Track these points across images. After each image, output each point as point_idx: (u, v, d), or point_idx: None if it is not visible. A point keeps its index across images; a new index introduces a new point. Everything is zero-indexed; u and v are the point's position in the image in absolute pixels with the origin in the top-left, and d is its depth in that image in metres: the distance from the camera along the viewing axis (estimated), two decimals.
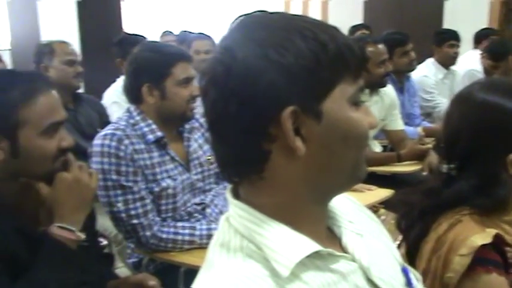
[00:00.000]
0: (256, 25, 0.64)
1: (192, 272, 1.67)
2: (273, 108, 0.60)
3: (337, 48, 0.62)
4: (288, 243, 0.63)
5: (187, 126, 1.87)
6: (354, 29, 4.42)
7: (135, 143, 1.71)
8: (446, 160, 1.09)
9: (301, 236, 0.64)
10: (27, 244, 1.20)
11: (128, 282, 1.51)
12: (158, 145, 1.76)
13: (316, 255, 0.64)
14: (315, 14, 5.91)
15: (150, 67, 1.73)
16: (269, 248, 0.63)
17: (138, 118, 1.76)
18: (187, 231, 1.76)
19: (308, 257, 0.63)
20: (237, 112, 0.61)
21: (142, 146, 1.73)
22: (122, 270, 2.39)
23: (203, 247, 1.74)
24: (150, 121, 1.76)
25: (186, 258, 1.71)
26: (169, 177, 1.77)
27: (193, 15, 6.30)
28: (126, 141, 1.69)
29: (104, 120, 2.72)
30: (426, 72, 3.78)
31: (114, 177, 1.67)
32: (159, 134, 1.75)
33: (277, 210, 0.65)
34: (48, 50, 2.66)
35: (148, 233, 1.71)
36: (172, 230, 1.75)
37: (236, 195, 0.70)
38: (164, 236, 1.73)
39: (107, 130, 1.73)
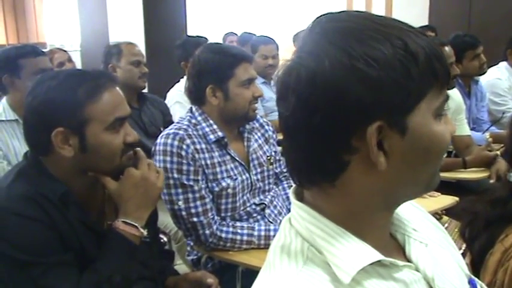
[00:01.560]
0: (342, 31, 0.61)
1: (249, 272, 1.69)
2: (359, 122, 0.58)
3: (427, 59, 0.59)
4: (351, 250, 0.62)
5: (247, 126, 1.89)
6: None
7: (197, 142, 1.75)
8: None
9: (365, 244, 0.63)
10: (93, 237, 1.26)
11: (187, 279, 1.54)
12: (219, 145, 1.79)
13: (378, 263, 0.63)
14: (379, 13, 5.76)
15: (214, 69, 1.75)
16: (331, 253, 0.62)
17: (200, 118, 1.80)
18: (245, 231, 1.77)
19: (371, 264, 0.62)
20: (320, 124, 0.59)
21: (204, 146, 1.76)
22: (181, 267, 2.45)
23: (261, 248, 1.76)
24: (211, 121, 1.79)
25: (244, 258, 1.72)
26: (229, 177, 1.79)
27: (254, 16, 6.33)
28: (188, 141, 1.73)
29: (167, 120, 2.80)
30: (499, 75, 3.62)
31: (175, 175, 1.71)
32: (220, 134, 1.78)
33: (342, 217, 0.64)
34: (116, 51, 2.76)
35: (207, 232, 1.74)
36: (231, 229, 1.77)
37: (300, 197, 0.69)
38: (223, 235, 1.75)
39: (170, 130, 1.77)
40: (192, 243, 1.89)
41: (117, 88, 1.28)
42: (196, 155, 1.73)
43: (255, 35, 4.39)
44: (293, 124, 0.62)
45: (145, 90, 2.90)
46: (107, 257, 1.24)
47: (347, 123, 0.58)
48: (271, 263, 0.66)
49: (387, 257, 0.63)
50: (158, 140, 1.76)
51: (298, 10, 6.03)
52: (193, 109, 1.83)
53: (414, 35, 0.60)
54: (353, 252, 0.62)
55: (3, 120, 2.18)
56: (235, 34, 5.06)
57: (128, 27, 4.77)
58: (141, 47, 4.42)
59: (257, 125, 1.96)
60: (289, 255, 0.64)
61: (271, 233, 1.77)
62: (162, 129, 2.80)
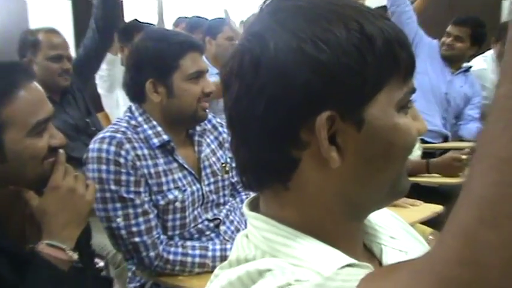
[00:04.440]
0: (292, 10, 0.62)
1: None
2: (307, 112, 0.60)
3: (386, 44, 0.61)
4: (320, 256, 0.63)
5: (198, 128, 1.88)
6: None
7: (138, 147, 1.73)
8: None
9: (334, 249, 0.64)
10: (12, 264, 1.22)
11: None
12: (164, 150, 1.78)
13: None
14: None
15: (155, 59, 1.74)
16: (296, 258, 0.62)
17: (140, 119, 1.78)
18: (197, 252, 1.77)
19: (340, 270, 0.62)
20: (264, 113, 0.61)
21: (146, 152, 1.74)
22: None
23: None
24: (154, 122, 1.77)
25: (196, 284, 1.71)
26: (176, 188, 1.78)
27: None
28: (127, 146, 1.71)
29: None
30: (485, 66, 3.82)
31: (113, 187, 1.69)
32: (165, 137, 1.77)
33: (304, 224, 0.65)
34: (32, 42, 2.67)
35: (152, 253, 1.72)
36: (180, 250, 1.76)
37: (255, 209, 0.70)
38: (171, 257, 1.74)
39: (105, 133, 1.74)
40: (134, 268, 1.87)
41: (35, 84, 1.26)
42: (138, 163, 1.71)
43: (206, 19, 4.35)
44: (236, 115, 0.64)
45: None
46: (29, 287, 1.21)
47: (294, 113, 0.60)
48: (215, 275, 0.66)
49: None
50: (91, 146, 1.73)
51: None
52: (133, 108, 1.81)
53: (373, 16, 0.62)
54: (321, 257, 0.63)
55: None
56: (186, 18, 4.99)
57: (52, 9, 4.67)
58: (69, 33, 4.35)
59: (209, 126, 1.96)
60: (245, 263, 0.64)
61: (228, 253, 1.76)
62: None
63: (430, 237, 2.25)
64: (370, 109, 0.61)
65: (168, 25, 5.02)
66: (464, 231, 0.34)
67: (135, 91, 1.80)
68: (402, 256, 0.73)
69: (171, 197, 1.76)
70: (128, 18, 4.60)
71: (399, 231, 0.79)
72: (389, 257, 0.72)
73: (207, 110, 1.83)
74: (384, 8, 4.57)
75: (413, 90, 0.65)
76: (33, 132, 1.22)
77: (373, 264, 0.70)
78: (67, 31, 2.97)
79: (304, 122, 0.60)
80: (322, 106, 0.59)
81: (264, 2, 0.66)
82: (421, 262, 0.39)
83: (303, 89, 0.59)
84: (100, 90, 3.32)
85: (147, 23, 3.56)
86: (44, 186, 1.29)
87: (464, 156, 2.60)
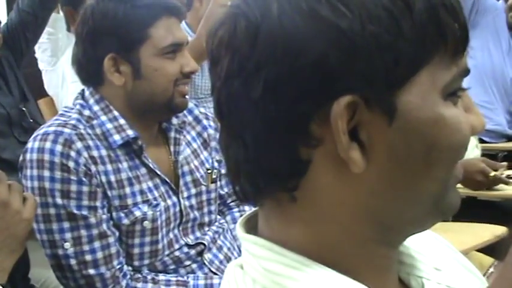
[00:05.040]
0: None
1: None
2: (321, 96, 0.59)
3: (429, 8, 0.61)
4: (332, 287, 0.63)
5: (175, 121, 1.89)
6: None
7: (93, 147, 1.73)
8: None
9: (357, 284, 0.64)
10: None
11: None
12: (129, 151, 1.79)
13: None
14: None
15: (116, 28, 1.74)
16: None
17: (96, 108, 1.78)
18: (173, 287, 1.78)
19: None
20: (262, 96, 0.61)
21: (104, 153, 1.75)
22: None
23: None
24: (116, 113, 1.78)
25: None
26: (146, 201, 1.78)
27: None
28: (79, 145, 1.71)
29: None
30: None
31: (59, 201, 1.69)
32: (130, 133, 1.77)
33: (317, 250, 0.65)
34: None
35: None
36: (150, 285, 1.77)
37: (252, 230, 0.71)
38: None
39: (49, 127, 1.74)
40: None
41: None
42: (93, 168, 1.72)
43: None
44: (227, 100, 0.64)
45: None
46: None
47: (303, 98, 0.60)
48: None
49: None
50: (30, 144, 1.73)
51: None
52: (87, 93, 1.82)
53: None
54: None
55: None
56: None
57: None
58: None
59: (190, 118, 1.96)
60: None
61: None
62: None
63: (491, 269, 2.26)
64: (405, 95, 0.61)
65: None
66: None
67: (89, 70, 1.80)
68: None
69: (138, 214, 1.77)
70: None
71: (447, 261, 0.80)
72: None
73: (187, 97, 1.83)
74: None
75: (465, 72, 0.65)
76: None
77: None
78: None
79: (317, 110, 0.60)
80: (341, 89, 0.59)
81: None
82: None
83: (315, 66, 0.59)
84: (41, 64, 3.32)
85: None
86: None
87: (493, 173, 2.63)
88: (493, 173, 2.58)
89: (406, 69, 0.61)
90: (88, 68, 1.80)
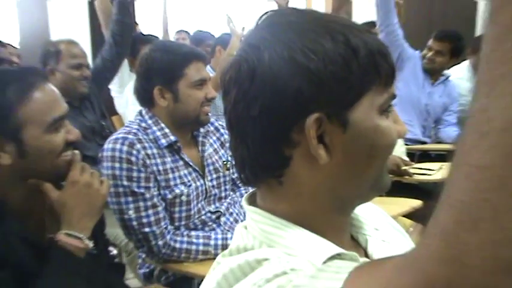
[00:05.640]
0: (284, 24, 0.63)
1: None
2: (298, 114, 0.60)
3: (369, 55, 0.61)
4: (311, 245, 0.63)
5: (202, 130, 1.88)
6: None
7: (148, 147, 1.72)
8: None
9: (323, 239, 0.64)
10: (33, 252, 1.21)
11: None
12: (171, 150, 1.78)
13: (338, 258, 0.63)
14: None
15: (162, 68, 1.73)
16: (290, 249, 0.63)
17: (150, 122, 1.77)
18: (201, 240, 1.76)
19: (330, 259, 0.62)
20: (259, 116, 0.61)
21: (155, 151, 1.74)
22: (131, 281, 2.41)
23: None
24: (162, 125, 1.77)
25: (200, 269, 1.70)
26: (182, 183, 1.78)
27: (206, 14, 6.31)
28: (138, 146, 1.70)
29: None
30: (461, 75, 3.83)
31: (125, 183, 1.68)
32: (172, 138, 1.76)
33: (296, 217, 0.66)
34: (54, 52, 2.66)
35: (160, 242, 1.72)
36: (185, 239, 1.75)
37: (253, 203, 0.71)
38: (177, 245, 1.74)
39: (118, 134, 1.74)
40: (143, 255, 1.87)
41: (50, 85, 1.25)
42: (148, 161, 1.71)
43: (209, 33, 4.34)
44: (235, 117, 0.65)
45: None
46: (49, 273, 1.20)
47: (286, 115, 0.61)
48: (223, 262, 0.65)
49: None
50: (105, 146, 1.72)
51: (249, 8, 6.12)
52: (143, 112, 1.81)
53: (357, 31, 0.63)
54: (313, 247, 0.63)
55: None
56: (187, 32, 5.00)
57: (71, 22, 4.66)
58: (87, 44, 4.34)
59: (212, 128, 1.96)
60: (245, 252, 0.65)
61: (229, 241, 1.76)
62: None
63: (411, 229, 2.25)
64: (354, 112, 0.61)
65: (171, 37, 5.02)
66: (446, 233, 0.34)
67: (144, 97, 1.79)
68: (386, 246, 0.73)
69: (177, 191, 1.76)
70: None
71: (382, 223, 0.79)
72: (374, 247, 0.72)
73: (209, 114, 1.83)
74: (372, 23, 4.60)
75: (393, 96, 0.65)
76: (51, 129, 1.21)
77: (359, 253, 0.71)
78: (85, 42, 2.95)
79: (295, 123, 0.61)
80: (311, 109, 0.60)
81: (260, 18, 0.67)
82: (405, 259, 0.39)
83: (294, 94, 0.59)
84: (112, 92, 3.32)
85: (152, 35, 3.56)
86: (60, 179, 1.28)
87: (404, 167, 2.66)
88: (403, 167, 2.63)
89: (354, 95, 0.61)
90: (144, 96, 1.79)
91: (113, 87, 3.25)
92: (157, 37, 3.61)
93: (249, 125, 0.63)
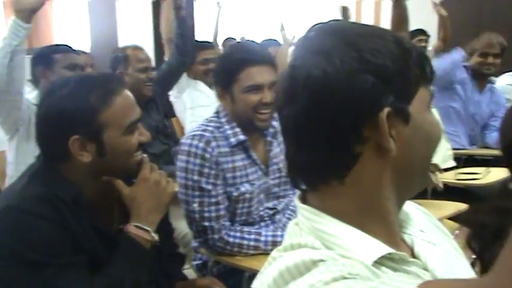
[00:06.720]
0: (343, 30, 0.66)
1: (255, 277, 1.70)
2: (372, 110, 0.61)
3: (418, 56, 0.65)
4: (362, 244, 0.63)
5: (271, 130, 1.85)
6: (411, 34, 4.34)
7: (221, 145, 1.76)
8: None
9: (374, 239, 0.64)
10: (102, 239, 1.27)
11: (195, 285, 1.56)
12: (241, 148, 1.80)
13: (388, 257, 0.63)
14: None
15: (219, 73, 1.79)
16: (342, 248, 0.63)
17: (223, 120, 1.80)
18: (252, 236, 1.78)
19: (380, 258, 0.62)
20: (333, 115, 0.61)
21: (227, 149, 1.77)
22: (186, 271, 2.45)
23: (268, 253, 1.76)
24: (234, 124, 1.79)
25: (251, 263, 1.73)
26: (248, 181, 1.80)
27: (255, 22, 6.32)
28: (213, 144, 1.74)
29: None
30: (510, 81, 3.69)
31: (195, 177, 1.72)
32: (242, 137, 1.78)
33: (351, 214, 0.65)
34: (122, 57, 2.79)
35: (216, 236, 1.75)
36: (238, 234, 1.78)
37: (304, 201, 0.70)
38: (231, 239, 1.77)
39: (196, 131, 1.78)
40: (197, 245, 1.90)
41: (127, 91, 1.30)
42: (220, 159, 1.74)
43: (276, 40, 4.26)
44: (306, 122, 0.64)
45: None
46: (118, 260, 1.26)
47: (360, 112, 0.61)
48: (273, 257, 0.66)
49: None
50: (184, 140, 1.78)
51: (291, 16, 6.11)
52: (220, 109, 1.83)
53: (403, 37, 0.67)
54: (363, 246, 0.63)
55: None
56: (234, 39, 5.02)
57: (137, 30, 4.80)
58: (150, 49, 4.46)
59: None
60: (300, 248, 0.65)
61: (278, 239, 1.78)
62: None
63: (456, 232, 2.20)
64: (412, 106, 0.64)
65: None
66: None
67: (220, 95, 1.81)
68: (431, 248, 0.72)
69: (242, 189, 1.79)
70: None
71: (428, 225, 0.78)
72: (420, 247, 0.71)
73: (268, 120, 1.77)
74: (421, 30, 4.48)
75: (433, 95, 0.69)
76: (127, 131, 1.26)
77: (407, 250, 0.70)
78: (148, 47, 3.05)
79: (369, 119, 0.61)
80: (383, 104, 0.61)
81: (311, 29, 0.68)
82: (474, 285, 0.44)
83: (369, 91, 0.61)
84: (171, 97, 3.41)
85: (207, 42, 3.63)
86: (130, 177, 1.33)
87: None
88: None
89: (413, 90, 0.64)
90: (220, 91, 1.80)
91: (172, 92, 3.34)
92: (211, 43, 3.68)
93: (322, 126, 0.62)
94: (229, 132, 1.78)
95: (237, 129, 1.78)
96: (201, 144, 1.72)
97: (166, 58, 3.32)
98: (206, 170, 1.72)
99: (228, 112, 1.79)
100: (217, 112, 1.84)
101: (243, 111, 1.75)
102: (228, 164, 1.76)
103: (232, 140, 1.77)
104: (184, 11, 2.99)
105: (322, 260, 0.59)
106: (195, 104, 3.38)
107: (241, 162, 1.79)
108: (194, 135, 1.75)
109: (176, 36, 2.99)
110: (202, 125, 1.81)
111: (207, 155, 1.72)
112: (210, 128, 1.77)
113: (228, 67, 1.74)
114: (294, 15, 6.06)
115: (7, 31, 2.08)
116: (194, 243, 1.94)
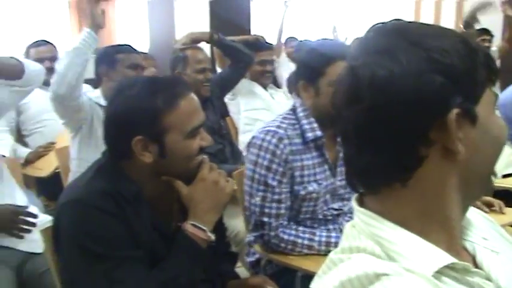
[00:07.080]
0: (407, 29, 0.64)
1: (308, 277, 1.67)
2: (440, 111, 0.59)
3: (484, 56, 0.63)
4: (423, 253, 0.61)
5: None
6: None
7: (293, 143, 1.75)
8: None
9: (435, 247, 0.62)
10: (160, 236, 1.30)
11: (247, 284, 1.56)
12: (315, 145, 1.78)
13: (450, 267, 0.61)
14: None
15: (305, 66, 1.76)
16: (402, 256, 0.61)
17: (301, 114, 1.78)
18: (307, 235, 1.77)
19: (443, 268, 0.60)
20: (400, 116, 0.59)
21: (300, 147, 1.76)
22: (239, 270, 2.47)
23: (321, 254, 1.75)
24: (312, 119, 1.77)
25: (304, 263, 1.72)
26: (315, 181, 1.78)
27: (315, 22, 6.28)
28: (286, 141, 1.73)
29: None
30: None
31: (263, 172, 1.73)
32: (319, 133, 1.76)
33: (412, 220, 0.63)
34: (182, 58, 2.84)
35: (272, 233, 1.76)
36: (293, 232, 1.77)
37: (362, 204, 0.69)
38: (285, 237, 1.76)
39: (271, 127, 1.78)
40: (252, 239, 1.88)
41: (192, 95, 1.31)
42: (290, 157, 1.74)
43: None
44: (369, 123, 0.62)
45: None
46: (175, 257, 1.28)
47: (428, 112, 0.59)
48: (333, 261, 0.65)
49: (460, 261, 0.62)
50: (257, 134, 1.78)
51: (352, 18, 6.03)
52: (297, 104, 1.82)
53: (467, 36, 0.64)
54: (424, 255, 0.61)
55: (102, 105, 2.45)
56: (297, 39, 5.03)
57: (194, 28, 4.87)
58: (207, 50, 4.52)
59: None
60: (358, 252, 0.63)
61: (332, 240, 1.76)
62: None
63: None
64: (480, 107, 0.62)
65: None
66: None
67: (292, 89, 1.83)
68: (494, 256, 0.69)
69: (310, 188, 1.77)
70: None
71: (491, 233, 0.76)
72: (483, 256, 0.69)
73: None
74: (485, 30, 4.33)
75: (497, 96, 0.66)
76: (189, 136, 1.27)
77: (469, 259, 0.68)
78: (205, 46, 3.08)
79: (436, 120, 0.60)
80: (451, 105, 0.59)
81: (368, 30, 0.67)
82: None
83: (436, 90, 0.59)
84: (226, 99, 3.44)
85: (268, 43, 3.66)
86: (189, 180, 1.33)
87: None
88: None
89: (480, 90, 0.62)
90: (291, 88, 1.84)
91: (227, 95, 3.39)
92: (272, 44, 3.69)
93: (388, 128, 0.60)
94: (307, 127, 1.76)
95: (315, 125, 1.76)
96: (274, 140, 1.72)
97: None
98: (274, 166, 1.72)
99: (309, 106, 1.76)
100: (293, 109, 1.82)
101: (326, 104, 1.70)
102: (297, 162, 1.75)
103: (309, 134, 1.75)
104: (218, 35, 3.07)
105: (386, 274, 0.57)
106: (250, 107, 3.41)
107: (310, 161, 1.77)
108: (268, 130, 1.75)
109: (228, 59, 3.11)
110: (276, 120, 1.81)
111: (278, 152, 1.72)
112: (283, 125, 1.77)
113: (317, 60, 1.71)
114: (345, 17, 6.01)
115: (82, 42, 2.25)
116: (249, 237, 1.93)
